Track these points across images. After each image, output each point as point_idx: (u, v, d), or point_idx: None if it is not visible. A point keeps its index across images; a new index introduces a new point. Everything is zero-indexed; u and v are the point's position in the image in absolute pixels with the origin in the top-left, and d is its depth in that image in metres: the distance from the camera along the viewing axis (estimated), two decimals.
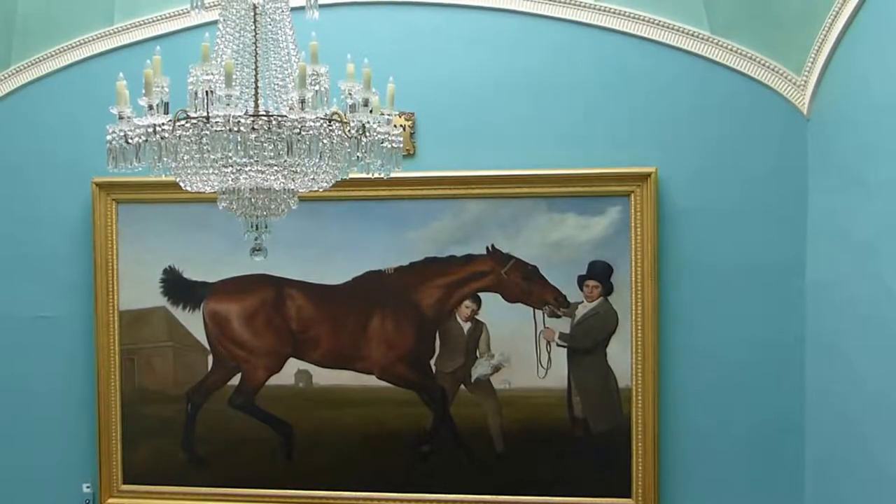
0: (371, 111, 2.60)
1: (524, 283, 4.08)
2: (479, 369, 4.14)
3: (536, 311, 4.07)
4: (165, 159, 2.50)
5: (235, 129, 2.39)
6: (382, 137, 2.63)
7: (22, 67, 4.36)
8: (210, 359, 4.30)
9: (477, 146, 4.08)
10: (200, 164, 2.49)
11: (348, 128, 2.55)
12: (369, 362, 4.19)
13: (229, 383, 4.29)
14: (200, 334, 4.30)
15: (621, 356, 4.03)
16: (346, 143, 2.55)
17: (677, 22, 3.93)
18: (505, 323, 4.09)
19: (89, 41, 4.29)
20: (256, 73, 2.64)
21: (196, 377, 4.31)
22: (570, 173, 4.01)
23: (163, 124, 2.47)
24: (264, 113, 2.52)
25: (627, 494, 4.04)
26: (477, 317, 4.13)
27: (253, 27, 2.63)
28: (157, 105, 2.50)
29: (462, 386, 4.15)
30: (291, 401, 4.24)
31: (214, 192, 2.69)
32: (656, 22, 3.95)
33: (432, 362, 4.17)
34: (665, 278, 4.00)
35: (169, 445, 4.33)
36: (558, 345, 4.07)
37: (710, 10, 3.86)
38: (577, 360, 4.07)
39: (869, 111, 3.29)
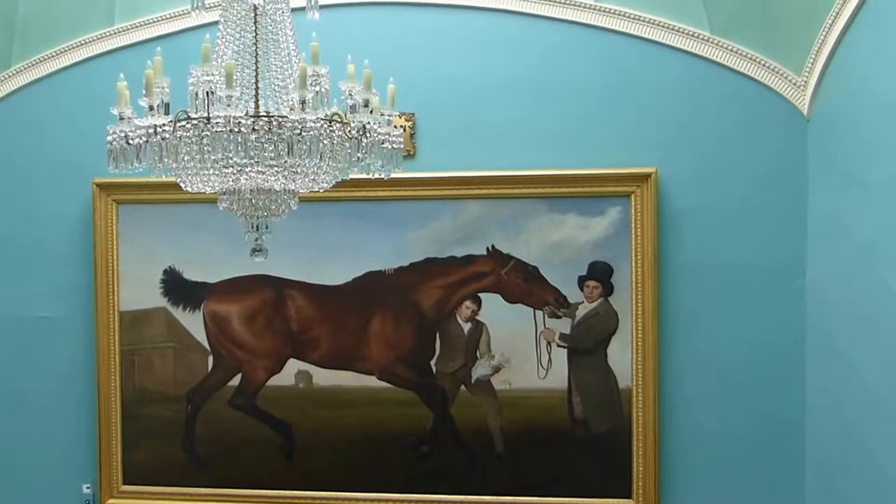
0: (371, 112, 2.60)
1: (524, 284, 4.08)
2: (480, 370, 4.14)
3: (537, 311, 4.07)
4: (166, 160, 2.50)
5: (236, 129, 2.39)
6: (383, 138, 2.63)
7: (22, 68, 4.36)
8: (210, 359, 4.30)
9: (477, 147, 4.08)
10: (201, 164, 2.49)
11: (349, 128, 2.55)
12: (369, 363, 4.19)
13: (229, 384, 4.29)
14: (200, 335, 4.30)
15: (622, 356, 4.03)
16: (347, 144, 2.55)
17: (677, 22, 3.93)
18: (505, 323, 4.09)
19: (90, 42, 4.29)
20: (257, 74, 2.65)
21: (196, 378, 4.31)
22: (571, 174, 4.01)
23: (163, 125, 2.47)
24: (265, 114, 2.52)
25: (628, 495, 4.04)
26: (477, 317, 4.13)
27: (253, 28, 2.64)
28: (158, 106, 2.50)
29: (462, 386, 4.15)
30: (291, 401, 4.24)
31: (215, 193, 2.69)
32: (656, 22, 3.95)
33: (432, 363, 4.17)
34: (665, 279, 4.00)
35: (169, 446, 4.33)
36: (559, 345, 4.07)
37: (710, 10, 3.86)
38: (577, 361, 4.07)
39: (869, 111, 3.29)
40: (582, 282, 4.05)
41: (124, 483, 4.35)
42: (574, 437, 4.08)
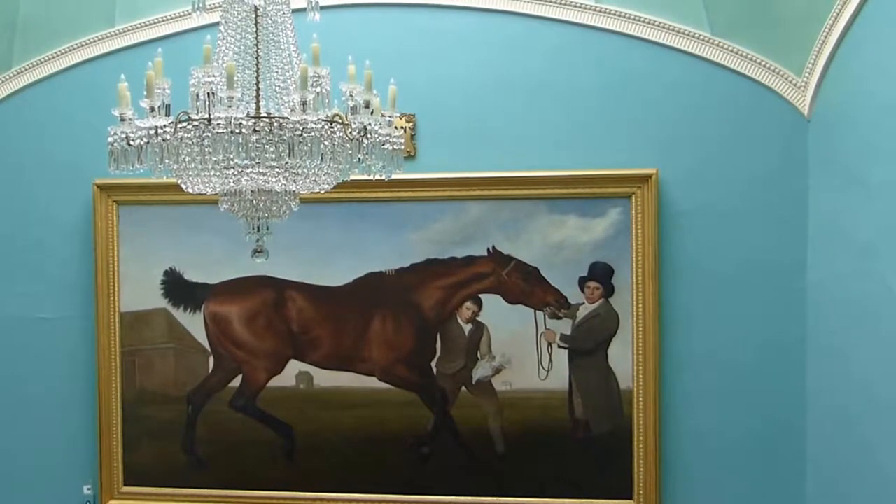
0: (372, 113, 2.60)
1: (525, 285, 4.08)
2: (480, 371, 4.14)
3: (537, 312, 4.07)
4: (167, 161, 2.50)
5: (237, 130, 2.39)
6: (384, 139, 2.62)
7: (23, 69, 4.36)
8: (211, 360, 4.30)
9: (477, 148, 4.08)
10: (202, 165, 2.49)
11: (349, 129, 2.55)
12: (370, 364, 4.19)
13: (230, 385, 4.29)
14: (201, 336, 4.30)
15: (622, 357, 4.03)
16: (348, 145, 2.55)
17: (678, 23, 3.93)
18: (506, 324, 4.09)
19: (90, 43, 4.29)
20: (258, 75, 2.64)
21: (197, 379, 4.31)
22: (571, 175, 4.01)
23: (164, 126, 2.46)
24: (266, 115, 2.52)
25: (629, 496, 4.04)
26: (478, 318, 4.13)
27: (254, 29, 2.63)
28: (159, 107, 2.50)
29: (463, 387, 4.15)
30: (292, 402, 4.24)
31: (216, 194, 2.69)
32: (657, 23, 3.96)
33: (433, 364, 4.17)
34: (666, 279, 4.00)
35: (170, 447, 4.33)
36: (559, 346, 4.07)
37: (711, 11, 3.87)
38: (578, 362, 4.07)
39: (869, 112, 3.29)
40: (582, 283, 4.05)
41: (125, 484, 4.35)
42: (575, 437, 4.08)
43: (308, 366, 4.24)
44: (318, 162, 2.50)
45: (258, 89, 2.64)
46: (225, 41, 2.61)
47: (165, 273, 4.30)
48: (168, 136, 2.46)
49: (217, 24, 2.65)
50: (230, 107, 2.38)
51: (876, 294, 3.20)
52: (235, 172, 2.54)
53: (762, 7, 3.75)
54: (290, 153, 2.45)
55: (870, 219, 3.28)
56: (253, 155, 2.44)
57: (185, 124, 2.44)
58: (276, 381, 4.26)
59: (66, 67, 4.34)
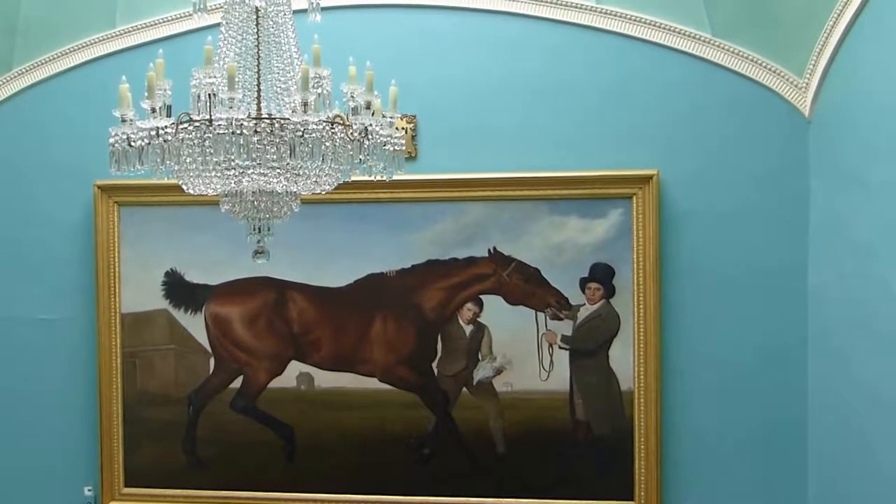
0: (373, 114, 2.60)
1: (526, 286, 4.08)
2: (481, 372, 4.13)
3: (538, 313, 4.07)
4: (168, 162, 2.50)
5: (238, 131, 2.39)
6: (385, 140, 2.62)
7: (24, 70, 4.36)
8: (212, 361, 4.30)
9: (478, 149, 4.08)
10: (203, 166, 2.49)
11: (350, 130, 2.55)
12: (371, 365, 4.19)
13: (231, 386, 4.29)
14: (202, 337, 4.30)
15: (623, 358, 4.03)
16: (349, 146, 2.55)
17: (678, 24, 3.93)
18: (507, 325, 4.09)
19: (91, 44, 4.29)
20: (259, 76, 2.64)
21: (198, 380, 4.31)
22: (572, 176, 4.01)
23: (165, 127, 2.46)
24: (267, 116, 2.52)
25: (630, 497, 4.03)
26: (479, 319, 4.13)
27: (255, 30, 2.63)
28: (160, 108, 2.50)
29: (464, 388, 4.15)
30: (293, 403, 4.24)
31: (217, 195, 2.69)
32: (657, 24, 3.95)
33: (434, 365, 4.17)
34: (667, 280, 3.99)
35: (170, 448, 4.33)
36: (560, 347, 4.07)
37: (712, 12, 3.86)
38: (579, 363, 4.07)
39: (870, 113, 3.29)
40: (584, 284, 4.05)
41: (125, 485, 4.35)
42: (576, 439, 4.07)
43: (309, 367, 4.24)
44: (319, 163, 2.50)
45: (259, 90, 2.64)
46: (226, 42, 2.61)
47: (166, 274, 4.30)
48: (169, 138, 2.45)
49: (218, 25, 2.66)
50: (231, 108, 2.38)
51: (877, 294, 3.20)
52: (236, 173, 2.53)
53: (763, 8, 3.75)
54: (291, 154, 2.45)
55: (871, 219, 3.28)
56: (254, 156, 2.44)
57: (186, 125, 2.44)
58: (276, 383, 4.26)
59: (67, 68, 4.34)
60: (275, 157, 2.46)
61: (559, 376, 4.07)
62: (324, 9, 2.67)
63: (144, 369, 4.35)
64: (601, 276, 4.03)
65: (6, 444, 4.42)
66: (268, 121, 2.44)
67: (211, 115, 2.40)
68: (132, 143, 2.50)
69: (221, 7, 2.65)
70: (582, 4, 3.99)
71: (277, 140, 2.44)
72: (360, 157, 2.60)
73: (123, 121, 2.54)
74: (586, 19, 4.00)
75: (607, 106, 4.02)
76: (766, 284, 3.95)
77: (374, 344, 4.18)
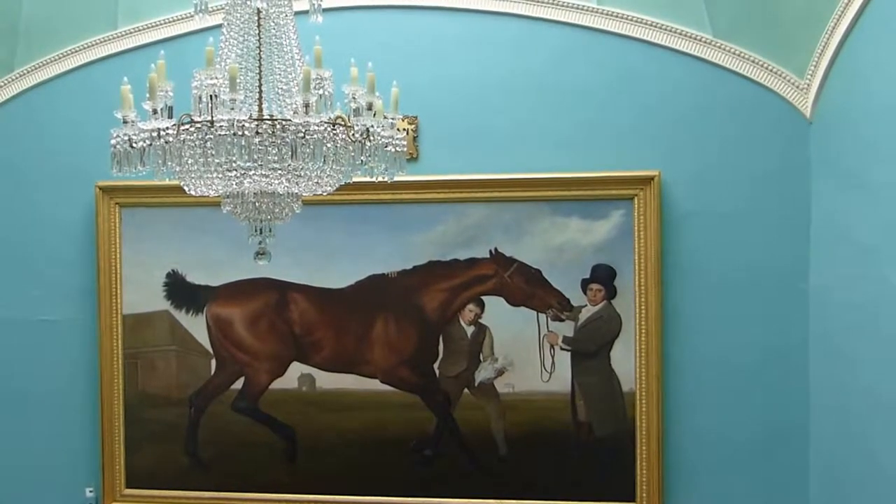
0: (375, 115, 2.60)
1: (527, 287, 4.08)
2: (483, 373, 4.13)
3: (540, 314, 4.07)
4: (169, 163, 2.50)
5: (240, 133, 2.39)
6: (386, 141, 2.62)
7: (26, 71, 4.37)
8: (213, 363, 4.30)
9: (480, 150, 4.08)
10: (204, 168, 2.49)
11: (352, 132, 2.55)
12: (372, 366, 4.19)
13: (232, 387, 4.29)
14: (203, 338, 4.30)
15: (625, 359, 4.03)
16: (350, 147, 2.55)
17: (680, 25, 3.93)
18: (508, 326, 4.09)
19: (93, 45, 4.30)
20: (260, 78, 2.64)
21: (199, 381, 4.31)
22: (574, 177, 4.01)
23: (167, 128, 2.47)
24: (268, 117, 2.52)
25: (632, 498, 4.03)
26: (480, 320, 4.13)
27: (257, 31, 2.63)
28: (161, 109, 2.50)
29: (465, 389, 4.15)
30: (294, 405, 4.24)
31: (218, 196, 2.69)
32: (659, 26, 3.96)
33: (436, 366, 4.17)
34: (668, 281, 3.99)
35: (172, 449, 4.33)
36: (562, 348, 4.07)
37: (713, 13, 3.86)
38: (580, 364, 4.07)
39: (871, 114, 3.29)
40: (585, 285, 4.05)
41: (127, 487, 4.35)
42: (577, 440, 4.07)
43: (310, 368, 4.23)
44: (321, 164, 2.50)
45: (261, 91, 2.64)
46: (227, 43, 2.61)
47: (168, 275, 4.30)
48: (171, 139, 2.45)
49: (219, 26, 2.66)
50: (233, 109, 2.38)
51: (878, 295, 3.20)
52: (238, 175, 2.53)
53: (764, 9, 3.75)
54: (292, 155, 2.45)
55: (872, 220, 3.28)
56: (255, 157, 2.44)
57: (187, 126, 2.44)
58: (278, 384, 4.25)
59: (69, 70, 4.35)
60: (276, 158, 2.46)
61: (561, 377, 4.07)
62: (325, 10, 2.67)
63: (146, 370, 4.35)
64: (602, 277, 4.03)
65: (8, 445, 4.43)
66: (269, 122, 2.44)
67: (212, 117, 2.40)
68: (134, 145, 2.50)
69: (223, 8, 2.65)
70: (583, 6, 3.99)
71: (279, 141, 2.44)
72: (362, 158, 2.60)
73: (125, 122, 2.54)
74: (588, 20, 4.00)
75: (608, 107, 4.02)
76: (768, 285, 3.95)
77: (375, 345, 4.18)
